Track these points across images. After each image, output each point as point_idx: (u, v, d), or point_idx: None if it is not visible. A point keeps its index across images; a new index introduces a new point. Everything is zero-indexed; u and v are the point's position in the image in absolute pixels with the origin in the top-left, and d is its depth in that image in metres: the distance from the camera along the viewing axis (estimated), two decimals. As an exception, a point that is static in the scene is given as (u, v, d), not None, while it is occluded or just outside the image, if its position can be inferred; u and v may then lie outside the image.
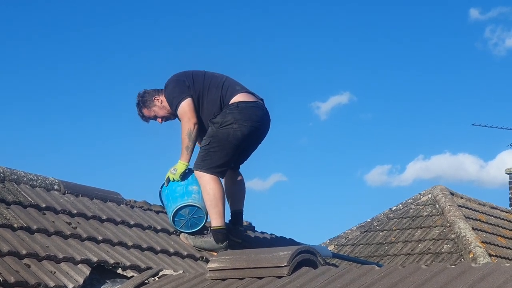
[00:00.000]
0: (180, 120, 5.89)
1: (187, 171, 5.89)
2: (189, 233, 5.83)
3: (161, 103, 5.99)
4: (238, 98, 5.84)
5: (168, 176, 5.92)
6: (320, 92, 28.60)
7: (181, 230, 5.86)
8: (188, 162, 5.86)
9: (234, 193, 6.09)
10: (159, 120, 6.07)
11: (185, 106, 5.81)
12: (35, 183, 5.57)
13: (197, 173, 5.76)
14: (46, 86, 25.10)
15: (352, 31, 27.31)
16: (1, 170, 5.43)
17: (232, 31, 26.61)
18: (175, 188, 5.88)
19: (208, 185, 5.70)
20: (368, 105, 28.18)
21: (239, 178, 6.11)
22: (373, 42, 27.24)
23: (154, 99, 6.00)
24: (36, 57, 25.08)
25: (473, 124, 14.61)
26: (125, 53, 25.46)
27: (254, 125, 5.82)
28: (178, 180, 5.87)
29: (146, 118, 6.09)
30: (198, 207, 5.81)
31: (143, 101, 6.03)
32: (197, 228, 5.85)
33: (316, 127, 28.86)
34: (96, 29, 25.30)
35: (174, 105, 5.87)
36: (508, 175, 14.21)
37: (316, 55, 27.04)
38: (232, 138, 5.74)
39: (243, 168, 6.14)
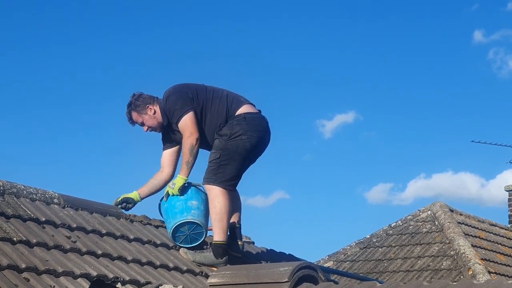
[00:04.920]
0: (180, 133, 5.86)
1: (186, 185, 5.86)
2: (188, 248, 5.81)
3: (154, 113, 5.91)
4: (244, 109, 5.85)
5: (167, 191, 5.90)
6: (326, 110, 28.71)
7: (180, 245, 5.84)
8: (187, 177, 5.83)
9: (232, 208, 6.04)
10: (145, 128, 5.97)
11: (188, 120, 5.78)
12: (35, 196, 5.56)
13: (207, 186, 5.74)
14: (47, 99, 25.13)
15: (360, 51, 27.45)
16: (1, 184, 5.41)
17: (239, 47, 26.69)
18: (174, 203, 5.85)
19: (217, 199, 5.68)
20: (371, 123, 28.27)
21: (235, 192, 6.07)
22: (379, 61, 27.38)
23: (147, 107, 5.92)
24: (36, 68, 25.11)
25: (472, 141, 14.60)
26: (125, 65, 25.49)
27: (261, 136, 5.85)
28: (177, 195, 5.84)
29: (132, 121, 5.99)
30: (198, 224, 5.78)
31: (136, 104, 5.92)
32: (197, 243, 5.83)
33: (320, 144, 28.94)
34: (97, 42, 25.33)
35: (176, 117, 5.82)
36: (507, 192, 14.18)
37: (324, 73, 27.16)
38: (241, 150, 5.74)
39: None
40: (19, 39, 24.47)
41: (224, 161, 5.73)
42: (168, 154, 6.05)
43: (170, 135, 6.00)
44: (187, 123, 5.77)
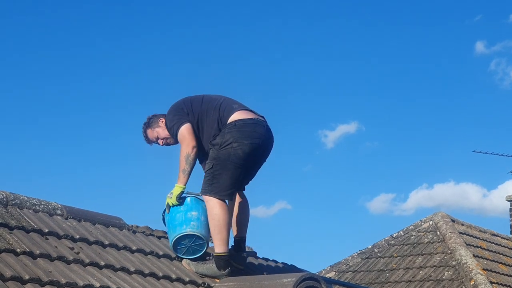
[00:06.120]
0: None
1: (185, 195, 5.86)
2: (191, 259, 5.81)
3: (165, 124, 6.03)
4: (236, 116, 5.79)
5: (167, 202, 5.90)
6: (329, 120, 28.77)
7: (183, 256, 5.84)
8: (185, 185, 5.83)
9: (238, 219, 6.02)
10: (160, 141, 6.06)
11: (184, 131, 5.80)
12: (38, 207, 5.56)
13: (205, 198, 5.74)
14: (50, 109, 25.16)
15: (362, 61, 27.54)
16: (4, 195, 5.42)
17: (242, 55, 26.73)
18: (174, 215, 5.84)
19: (214, 210, 5.66)
20: (374, 134, 28.33)
21: (244, 202, 6.03)
22: (382, 72, 27.46)
23: (159, 121, 6.04)
24: (40, 77, 25.16)
25: (473, 151, 14.60)
26: (130, 76, 25.54)
27: (256, 142, 5.74)
28: (176, 204, 5.83)
29: (148, 140, 6.12)
30: (198, 236, 5.77)
31: (149, 122, 6.08)
32: (199, 254, 5.83)
33: (322, 155, 29.00)
34: (103, 54, 25.37)
35: (174, 131, 5.87)
36: (509, 202, 14.19)
37: (327, 83, 27.23)
38: (233, 158, 5.68)
39: (248, 196, 6.08)
40: (30, 49, 24.52)
41: (217, 170, 5.69)
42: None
43: None
44: (183, 134, 5.80)
